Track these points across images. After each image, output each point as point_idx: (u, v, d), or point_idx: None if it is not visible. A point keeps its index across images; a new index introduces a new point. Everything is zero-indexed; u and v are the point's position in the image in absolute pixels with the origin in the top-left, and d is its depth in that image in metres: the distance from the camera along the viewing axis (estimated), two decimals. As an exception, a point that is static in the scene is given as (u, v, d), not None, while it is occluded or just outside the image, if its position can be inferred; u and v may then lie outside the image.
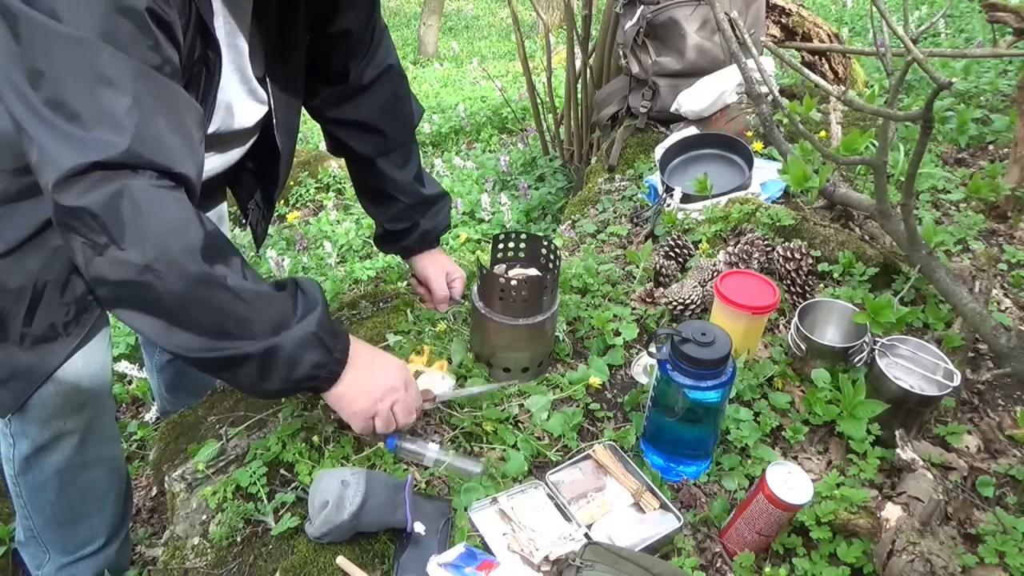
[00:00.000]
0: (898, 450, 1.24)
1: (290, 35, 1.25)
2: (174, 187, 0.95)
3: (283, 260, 2.88)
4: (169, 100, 0.95)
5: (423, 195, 1.60)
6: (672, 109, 2.50)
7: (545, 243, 1.45)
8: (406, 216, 1.59)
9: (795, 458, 1.32)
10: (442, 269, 1.64)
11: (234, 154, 1.36)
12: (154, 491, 1.94)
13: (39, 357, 1.21)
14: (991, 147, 2.40)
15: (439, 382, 1.37)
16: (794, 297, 1.66)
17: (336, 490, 1.11)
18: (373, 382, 1.17)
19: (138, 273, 0.91)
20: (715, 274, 1.66)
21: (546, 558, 1.11)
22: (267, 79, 1.25)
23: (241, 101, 1.23)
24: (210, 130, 1.18)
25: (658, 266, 1.74)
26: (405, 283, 1.93)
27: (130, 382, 2.34)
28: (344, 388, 1.14)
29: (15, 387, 1.21)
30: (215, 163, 1.31)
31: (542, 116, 3.69)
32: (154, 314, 0.96)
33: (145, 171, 0.91)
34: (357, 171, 1.61)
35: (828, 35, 3.10)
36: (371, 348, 1.22)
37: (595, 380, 1.42)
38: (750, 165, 2.09)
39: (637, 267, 1.79)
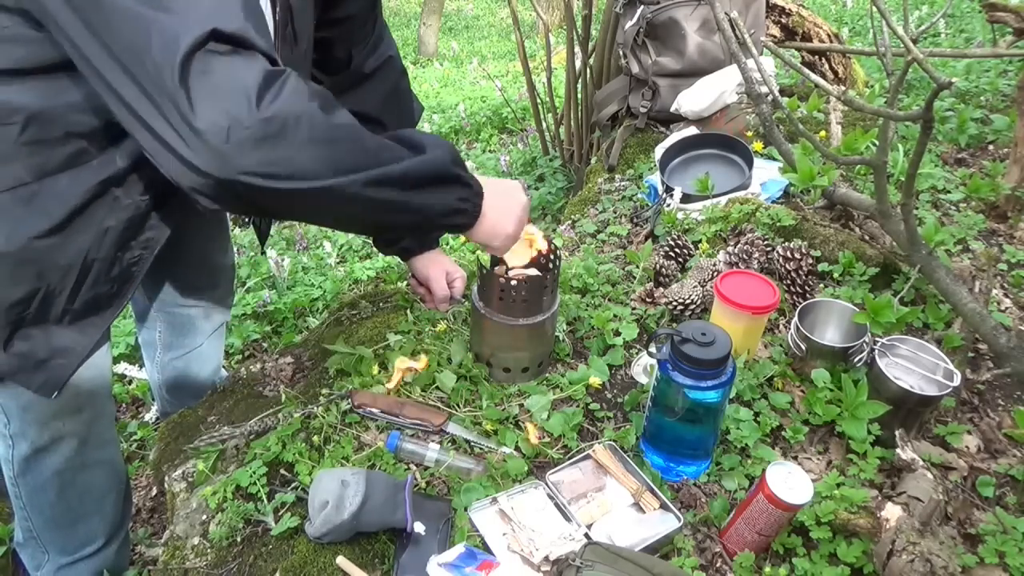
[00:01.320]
0: (898, 450, 1.24)
1: (301, 19, 1.24)
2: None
3: (283, 260, 2.88)
4: None
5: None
6: (672, 109, 2.50)
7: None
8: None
9: (795, 458, 1.32)
10: (442, 269, 1.63)
11: None
12: (154, 491, 1.94)
13: (80, 332, 1.20)
14: (991, 147, 2.40)
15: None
16: (794, 297, 1.66)
17: (336, 490, 1.11)
18: (511, 204, 1.19)
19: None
20: (715, 274, 1.66)
21: (546, 558, 1.11)
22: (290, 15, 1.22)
23: None
24: None
25: (658, 266, 1.74)
26: (405, 283, 1.93)
27: (130, 382, 2.34)
28: (491, 220, 1.16)
29: (57, 366, 1.19)
30: None
31: (542, 116, 3.69)
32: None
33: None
34: None
35: (828, 35, 3.10)
36: (494, 181, 1.20)
37: (595, 380, 1.42)
38: (750, 165, 2.09)
39: (637, 267, 1.79)
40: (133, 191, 1.13)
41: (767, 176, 2.11)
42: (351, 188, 0.98)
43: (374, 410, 1.36)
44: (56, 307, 1.16)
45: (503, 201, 1.19)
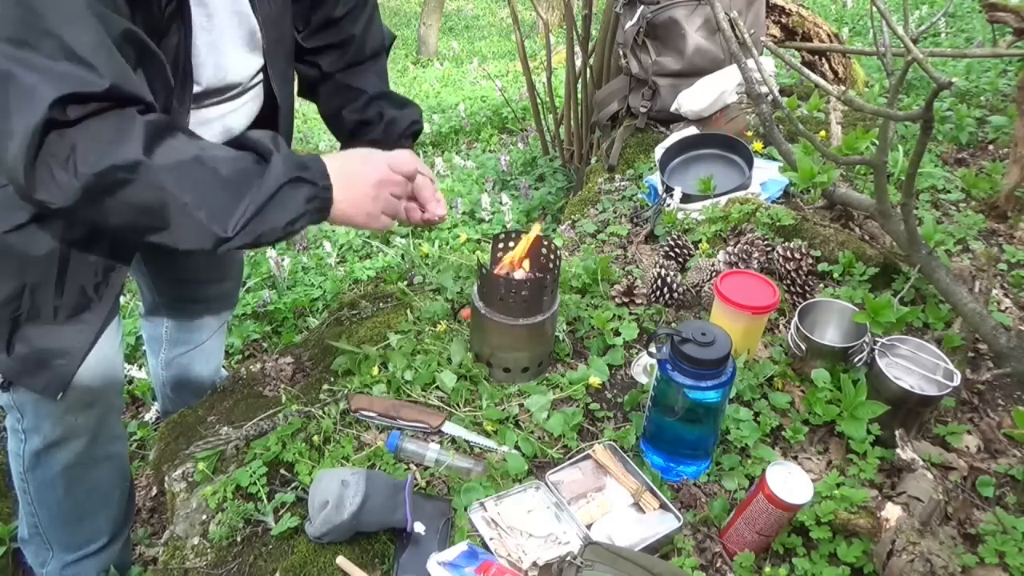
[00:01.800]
0: (898, 450, 1.24)
1: None
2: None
3: (283, 260, 2.88)
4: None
5: (389, 92, 1.50)
6: (672, 109, 2.50)
7: (545, 243, 1.45)
8: (370, 107, 1.46)
9: (795, 458, 1.32)
10: (422, 170, 1.46)
11: (234, 120, 1.31)
12: (154, 491, 1.94)
13: (76, 331, 1.20)
14: (991, 147, 2.40)
15: None
16: (794, 297, 1.66)
17: (336, 490, 1.11)
18: (365, 187, 1.15)
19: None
20: (715, 274, 1.66)
21: (534, 563, 1.11)
22: (259, 19, 1.20)
23: (236, 50, 1.20)
24: (201, 86, 1.15)
25: (658, 266, 1.74)
26: (405, 283, 1.93)
27: (130, 382, 2.34)
28: (343, 205, 1.12)
29: (59, 367, 1.20)
30: (215, 130, 1.26)
31: (542, 116, 3.69)
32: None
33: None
34: (326, 91, 1.48)
35: (828, 35, 3.10)
36: (342, 156, 1.17)
37: (595, 380, 1.42)
38: (750, 165, 2.09)
39: (637, 267, 1.79)
40: None
41: (767, 176, 2.11)
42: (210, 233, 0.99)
43: (371, 413, 1.36)
44: (46, 302, 1.16)
45: (353, 184, 1.14)
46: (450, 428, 1.35)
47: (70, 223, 1.13)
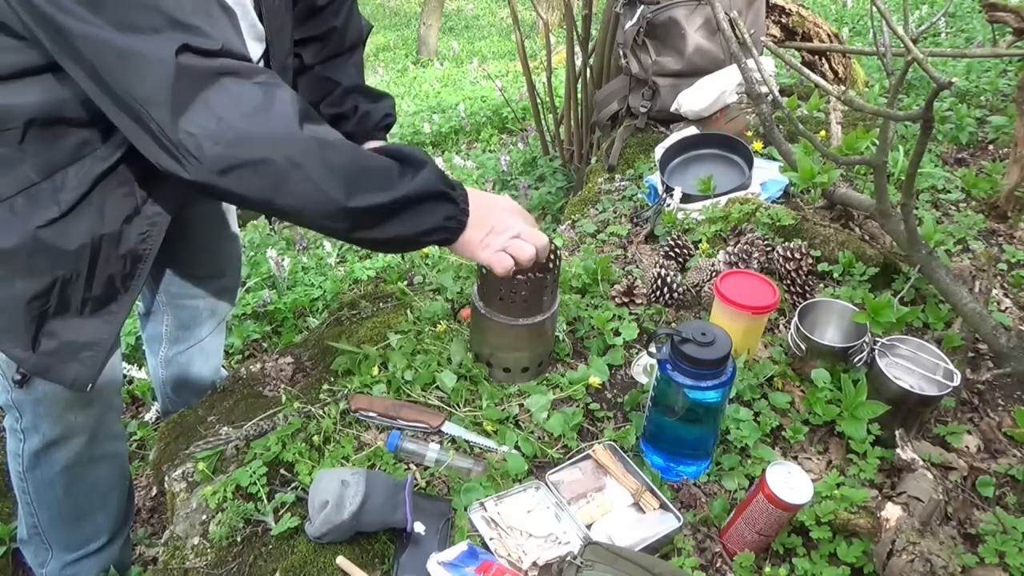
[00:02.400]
0: (898, 450, 1.24)
1: None
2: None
3: (283, 260, 2.88)
4: None
5: (364, 85, 1.54)
6: (672, 109, 2.50)
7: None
8: (346, 100, 1.49)
9: (795, 458, 1.32)
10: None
11: None
12: (154, 491, 1.94)
13: (103, 322, 1.21)
14: (991, 147, 2.40)
15: None
16: (794, 297, 1.66)
17: (336, 490, 1.11)
18: (493, 222, 1.19)
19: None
20: (715, 274, 1.66)
21: (534, 563, 1.11)
22: (262, 8, 1.22)
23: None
24: None
25: (658, 266, 1.74)
26: (405, 283, 1.93)
27: (130, 382, 2.34)
28: (471, 233, 1.16)
29: (87, 359, 1.21)
30: None
31: (542, 116, 3.69)
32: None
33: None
34: (305, 84, 1.49)
35: (828, 35, 3.10)
36: (480, 192, 1.21)
37: (595, 380, 1.42)
38: (750, 165, 2.09)
39: (637, 267, 1.79)
40: (130, 171, 1.15)
41: (767, 176, 2.11)
42: (339, 207, 1.03)
43: (371, 413, 1.36)
44: (75, 296, 1.17)
45: (486, 222, 1.18)
46: (450, 428, 1.35)
47: (101, 212, 1.14)
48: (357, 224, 1.08)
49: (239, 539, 1.22)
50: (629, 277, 1.68)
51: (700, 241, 1.83)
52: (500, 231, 1.19)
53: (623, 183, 2.40)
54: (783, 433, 1.34)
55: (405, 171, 1.09)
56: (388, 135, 1.57)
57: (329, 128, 1.06)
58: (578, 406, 1.40)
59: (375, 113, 1.49)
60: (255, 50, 1.25)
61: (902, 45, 1.16)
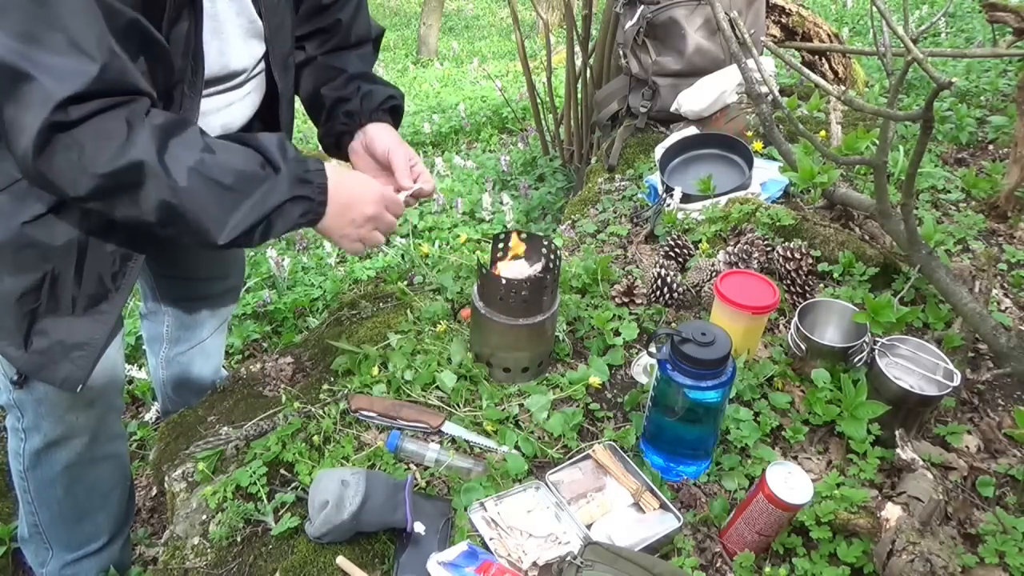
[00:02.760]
0: (898, 450, 1.24)
1: None
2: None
3: (283, 260, 2.88)
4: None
5: (371, 73, 1.48)
6: (672, 109, 2.50)
7: (545, 243, 1.45)
8: (349, 84, 1.42)
9: (795, 458, 1.32)
10: (399, 143, 1.39)
11: (237, 112, 1.31)
12: (154, 491, 1.94)
13: (94, 321, 1.21)
14: (991, 147, 2.40)
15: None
16: (794, 297, 1.66)
17: (336, 490, 1.11)
18: (353, 215, 1.21)
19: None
20: (715, 274, 1.66)
21: (534, 563, 1.11)
22: (261, 6, 1.21)
23: (238, 37, 1.21)
24: (204, 74, 1.17)
25: (658, 266, 1.74)
26: (405, 283, 1.93)
27: (130, 382, 2.34)
28: (329, 222, 1.18)
29: (78, 359, 1.21)
30: (213, 124, 1.26)
31: (542, 116, 3.69)
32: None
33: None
34: (307, 72, 1.45)
35: (828, 35, 3.10)
36: (348, 178, 1.22)
37: (595, 380, 1.42)
38: (750, 165, 2.09)
39: (637, 267, 1.79)
40: None
41: (767, 176, 2.11)
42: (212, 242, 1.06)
43: (371, 413, 1.36)
44: (65, 294, 1.16)
45: (345, 210, 1.20)
46: (450, 428, 1.35)
47: (84, 212, 1.14)
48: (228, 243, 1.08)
49: (239, 539, 1.22)
50: (629, 277, 1.68)
51: (700, 241, 1.83)
52: (359, 222, 1.22)
53: (623, 183, 2.40)
54: (783, 433, 1.34)
55: (265, 156, 1.10)
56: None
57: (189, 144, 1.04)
58: (578, 406, 1.40)
59: (377, 93, 1.42)
60: (255, 49, 1.25)
61: (902, 45, 1.16)
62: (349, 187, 1.21)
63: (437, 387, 1.44)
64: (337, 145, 1.44)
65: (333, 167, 1.19)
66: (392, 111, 1.44)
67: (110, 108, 0.94)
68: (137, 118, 0.97)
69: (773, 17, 3.04)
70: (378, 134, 1.38)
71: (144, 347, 2.10)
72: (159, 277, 1.68)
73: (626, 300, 1.64)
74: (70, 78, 0.90)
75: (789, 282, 1.66)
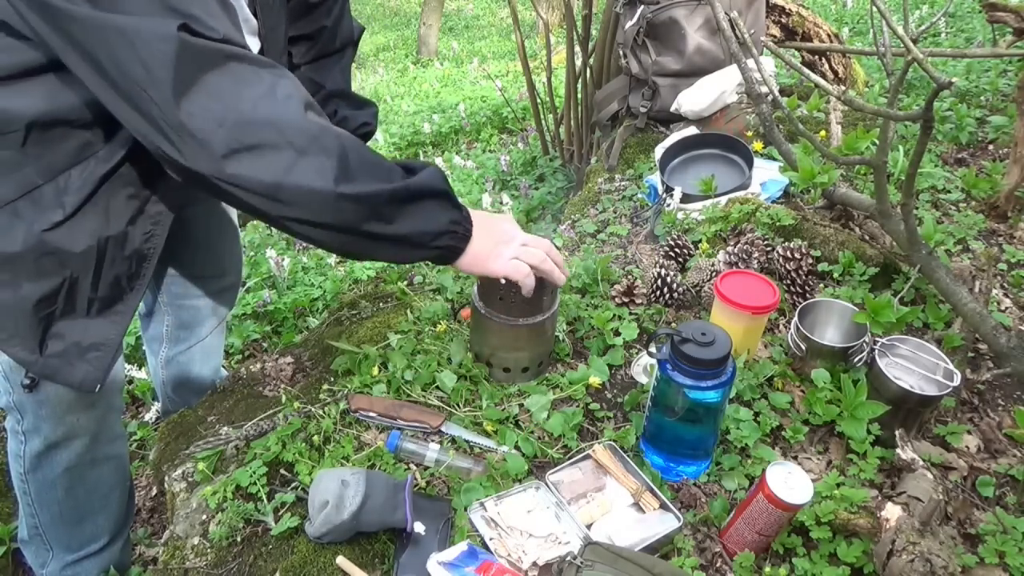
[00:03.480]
0: (898, 450, 1.24)
1: None
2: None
3: (283, 260, 2.88)
4: None
5: (348, 92, 1.53)
6: (672, 109, 2.50)
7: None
8: (327, 104, 1.48)
9: (795, 458, 1.32)
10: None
11: None
12: (154, 491, 1.94)
13: (109, 322, 1.21)
14: (991, 147, 2.40)
15: None
16: (794, 297, 1.66)
17: (336, 490, 1.11)
18: (498, 236, 1.21)
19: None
20: (715, 274, 1.66)
21: (534, 563, 1.11)
22: (256, 5, 1.21)
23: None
24: None
25: (658, 266, 1.74)
26: (405, 283, 1.93)
27: (130, 382, 2.34)
28: (479, 245, 1.17)
29: (95, 358, 1.21)
30: None
31: (542, 116, 3.69)
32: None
33: None
34: None
35: (828, 35, 3.10)
36: (485, 214, 1.22)
37: (595, 380, 1.42)
38: (750, 165, 2.09)
39: (637, 266, 1.79)
40: (134, 171, 1.15)
41: (767, 176, 2.11)
42: (337, 195, 1.01)
43: (372, 413, 1.36)
44: (82, 297, 1.17)
45: (488, 234, 1.19)
46: (450, 428, 1.35)
47: (107, 213, 1.14)
48: (354, 217, 1.05)
49: (239, 539, 1.22)
50: (629, 277, 1.68)
51: (700, 241, 1.83)
52: (507, 240, 1.21)
53: (623, 183, 2.40)
54: (783, 433, 1.34)
55: (407, 169, 1.09)
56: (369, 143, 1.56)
57: (328, 121, 1.05)
58: (578, 406, 1.40)
59: (353, 120, 1.48)
60: (251, 46, 1.25)
61: (902, 45, 1.16)
62: (482, 212, 1.22)
63: (437, 387, 1.44)
64: None
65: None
66: (364, 136, 1.50)
67: (237, 58, 0.97)
68: (283, 74, 1.01)
69: (773, 17, 3.04)
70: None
71: (144, 347, 2.10)
72: (159, 275, 1.68)
73: (626, 300, 1.64)
74: (180, 14, 0.92)
75: (789, 282, 1.66)
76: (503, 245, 1.20)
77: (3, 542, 1.71)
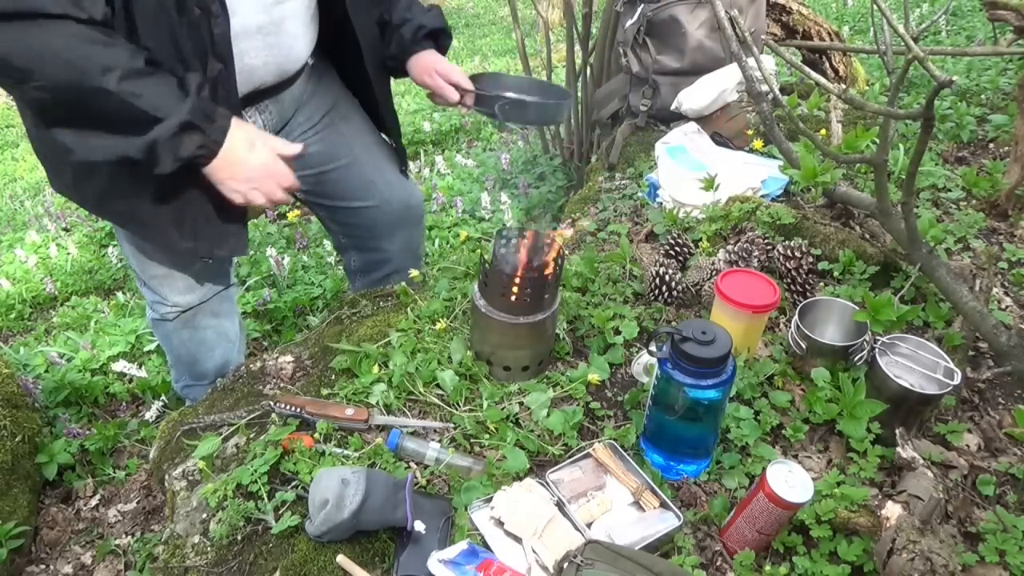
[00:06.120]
0: (898, 448, 1.24)
1: None
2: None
3: (283, 259, 2.88)
4: None
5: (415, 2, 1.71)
6: (672, 107, 2.50)
7: (547, 241, 1.45)
8: (396, 10, 1.66)
9: (795, 456, 1.32)
10: (448, 65, 1.69)
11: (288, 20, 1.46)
12: (154, 490, 1.94)
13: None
14: (992, 145, 2.40)
15: None
16: (794, 295, 1.66)
17: (336, 489, 1.11)
18: (246, 170, 1.37)
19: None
20: (715, 272, 1.66)
21: (539, 562, 1.11)
22: None
23: None
24: None
25: (658, 264, 1.74)
26: (404, 281, 1.92)
27: (130, 380, 2.34)
28: (219, 165, 1.34)
29: (232, 231, 1.53)
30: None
31: (542, 114, 3.67)
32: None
33: None
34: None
35: (829, 33, 3.09)
36: (249, 135, 1.37)
37: (595, 378, 1.42)
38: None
39: (635, 265, 1.79)
40: None
41: (767, 174, 2.10)
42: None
43: (295, 408, 1.37)
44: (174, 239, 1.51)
45: (239, 162, 1.35)
46: (381, 420, 1.36)
47: None
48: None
49: (239, 537, 1.22)
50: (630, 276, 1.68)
51: (700, 240, 1.83)
52: (240, 179, 1.38)
53: (623, 182, 2.39)
54: (783, 432, 1.34)
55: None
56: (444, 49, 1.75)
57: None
58: (578, 404, 1.40)
59: (415, 21, 1.66)
60: None
61: (903, 43, 1.16)
62: (247, 142, 1.36)
63: (437, 385, 1.44)
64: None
65: (245, 125, 1.37)
66: (430, 36, 1.69)
67: None
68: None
69: (774, 15, 3.03)
70: (425, 64, 1.68)
71: (144, 347, 2.27)
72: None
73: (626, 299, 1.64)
74: None
75: (789, 281, 1.66)
76: (232, 181, 1.38)
77: (2, 543, 1.71)
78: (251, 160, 1.37)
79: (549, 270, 1.35)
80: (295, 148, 1.46)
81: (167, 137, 1.24)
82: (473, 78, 1.76)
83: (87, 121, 1.26)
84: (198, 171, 1.35)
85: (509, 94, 1.70)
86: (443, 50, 1.74)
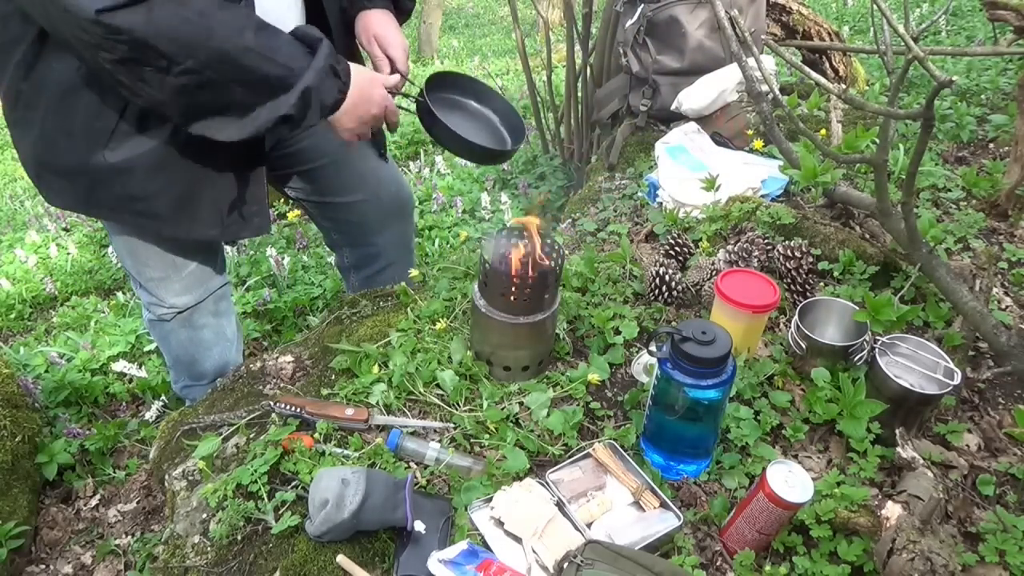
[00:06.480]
0: (898, 448, 1.24)
1: None
2: None
3: (283, 259, 2.88)
4: None
5: None
6: (673, 107, 2.50)
7: (548, 241, 1.45)
8: None
9: (795, 457, 1.32)
10: (391, 33, 1.55)
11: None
12: (154, 490, 1.94)
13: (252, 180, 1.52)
14: (992, 145, 2.40)
15: None
16: (794, 296, 1.66)
17: (336, 489, 1.11)
18: (361, 111, 1.40)
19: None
20: (715, 272, 1.66)
21: (539, 562, 1.11)
22: None
23: None
24: None
25: (658, 264, 1.74)
26: (404, 281, 1.92)
27: (130, 380, 2.34)
28: (347, 108, 1.35)
29: (253, 212, 1.54)
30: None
31: (542, 114, 3.68)
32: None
33: None
34: None
35: (829, 33, 3.09)
36: (361, 71, 1.39)
37: (595, 378, 1.42)
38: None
39: (635, 265, 1.79)
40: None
41: (767, 173, 2.10)
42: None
43: (295, 408, 1.37)
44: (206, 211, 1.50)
45: (360, 103, 1.37)
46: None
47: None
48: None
49: (239, 538, 1.22)
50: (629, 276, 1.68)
51: (700, 240, 1.83)
52: (365, 119, 1.42)
53: (623, 181, 2.39)
54: (783, 432, 1.34)
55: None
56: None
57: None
58: (578, 404, 1.40)
59: None
60: None
61: (903, 43, 1.16)
62: (364, 81, 1.37)
63: (437, 385, 1.44)
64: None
65: (352, 63, 1.35)
66: None
67: None
68: None
69: (774, 15, 3.03)
70: (373, 22, 1.56)
71: (145, 347, 2.27)
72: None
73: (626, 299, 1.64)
74: None
75: (789, 281, 1.66)
76: (355, 122, 1.42)
77: (1, 543, 1.71)
78: (374, 96, 1.40)
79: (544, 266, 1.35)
80: (394, 79, 1.50)
81: (316, 85, 1.24)
82: (438, 77, 1.63)
83: (231, 95, 1.21)
84: (225, 153, 1.35)
85: (452, 122, 1.56)
86: (404, 12, 1.62)
